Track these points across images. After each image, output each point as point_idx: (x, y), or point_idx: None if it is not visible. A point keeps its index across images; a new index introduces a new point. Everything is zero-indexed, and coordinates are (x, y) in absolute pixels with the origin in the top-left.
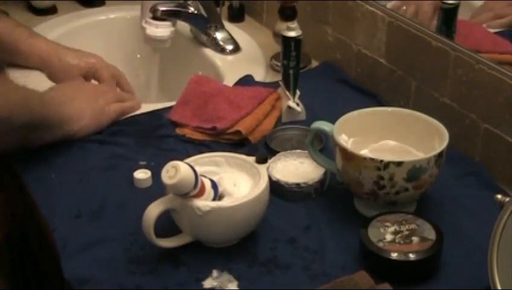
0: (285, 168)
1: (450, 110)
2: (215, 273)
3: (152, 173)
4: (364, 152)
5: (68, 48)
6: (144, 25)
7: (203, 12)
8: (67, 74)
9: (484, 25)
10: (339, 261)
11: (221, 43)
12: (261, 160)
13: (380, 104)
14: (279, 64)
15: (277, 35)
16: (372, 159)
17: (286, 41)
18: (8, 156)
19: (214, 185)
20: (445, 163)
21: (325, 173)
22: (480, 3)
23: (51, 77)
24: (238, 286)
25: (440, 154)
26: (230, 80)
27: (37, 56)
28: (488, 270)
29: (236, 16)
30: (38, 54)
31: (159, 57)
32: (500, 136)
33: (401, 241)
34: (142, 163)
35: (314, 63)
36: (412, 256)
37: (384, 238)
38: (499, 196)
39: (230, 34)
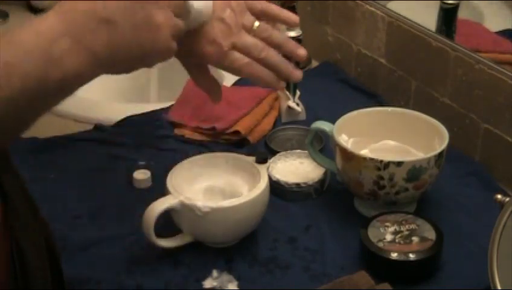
0: (285, 168)
1: (450, 110)
2: (215, 273)
3: (151, 173)
4: (365, 152)
5: None
6: None
7: None
8: None
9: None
10: (339, 261)
11: None
12: (261, 160)
13: (380, 104)
14: None
15: None
16: (372, 159)
17: None
18: (7, 156)
19: None
20: (445, 163)
21: (325, 173)
22: (480, 3)
23: None
24: (238, 286)
25: (440, 154)
26: (230, 80)
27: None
28: (488, 270)
29: None
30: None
31: None
32: (500, 136)
33: (401, 241)
34: (141, 163)
35: (314, 63)
36: (412, 256)
37: (384, 238)
38: (499, 196)
39: None
